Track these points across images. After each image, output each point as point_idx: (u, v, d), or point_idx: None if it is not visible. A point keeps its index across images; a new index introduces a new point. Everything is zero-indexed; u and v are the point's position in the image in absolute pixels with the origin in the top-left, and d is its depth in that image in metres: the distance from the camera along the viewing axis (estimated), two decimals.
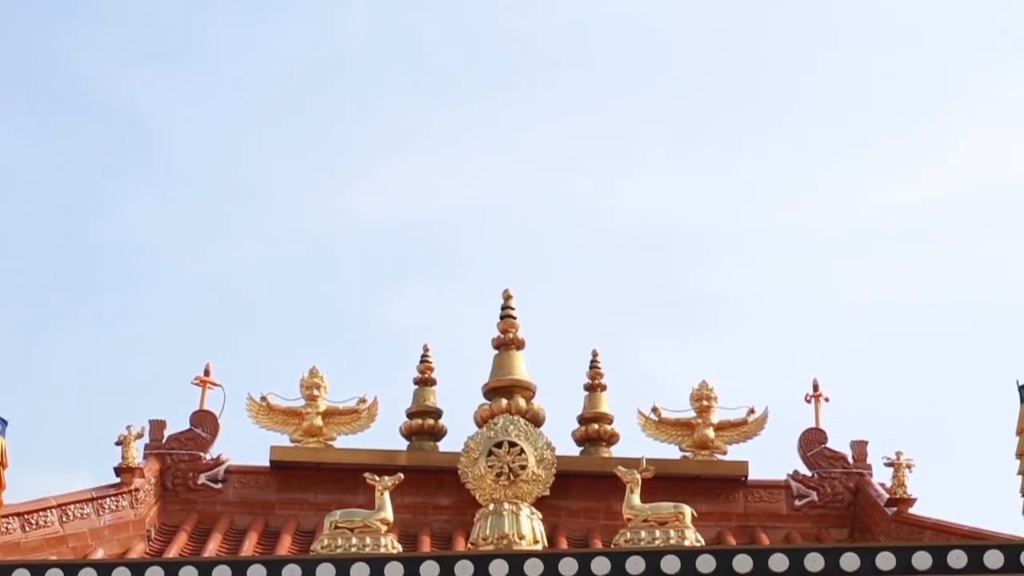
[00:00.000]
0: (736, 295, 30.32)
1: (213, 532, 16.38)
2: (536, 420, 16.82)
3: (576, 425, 17.83)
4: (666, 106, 31.65)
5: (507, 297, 17.90)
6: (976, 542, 12.77)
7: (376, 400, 17.48)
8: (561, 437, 17.31)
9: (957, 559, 12.22)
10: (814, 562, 12.29)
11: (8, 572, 11.94)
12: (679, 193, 31.30)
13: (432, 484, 17.00)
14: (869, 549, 12.48)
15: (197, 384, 17.56)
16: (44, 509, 15.29)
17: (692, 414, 17.65)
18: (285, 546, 16.08)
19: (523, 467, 15.80)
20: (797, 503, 17.43)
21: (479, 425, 16.80)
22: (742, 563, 12.31)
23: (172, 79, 31.18)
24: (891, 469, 16.88)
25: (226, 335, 29.26)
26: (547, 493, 15.99)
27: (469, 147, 31.42)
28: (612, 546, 14.22)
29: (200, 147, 31.16)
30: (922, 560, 12.23)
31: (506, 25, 32.10)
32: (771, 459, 17.88)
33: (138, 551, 15.84)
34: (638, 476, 14.79)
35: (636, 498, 14.63)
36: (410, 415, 17.70)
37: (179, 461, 17.16)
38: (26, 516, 15.04)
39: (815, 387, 17.88)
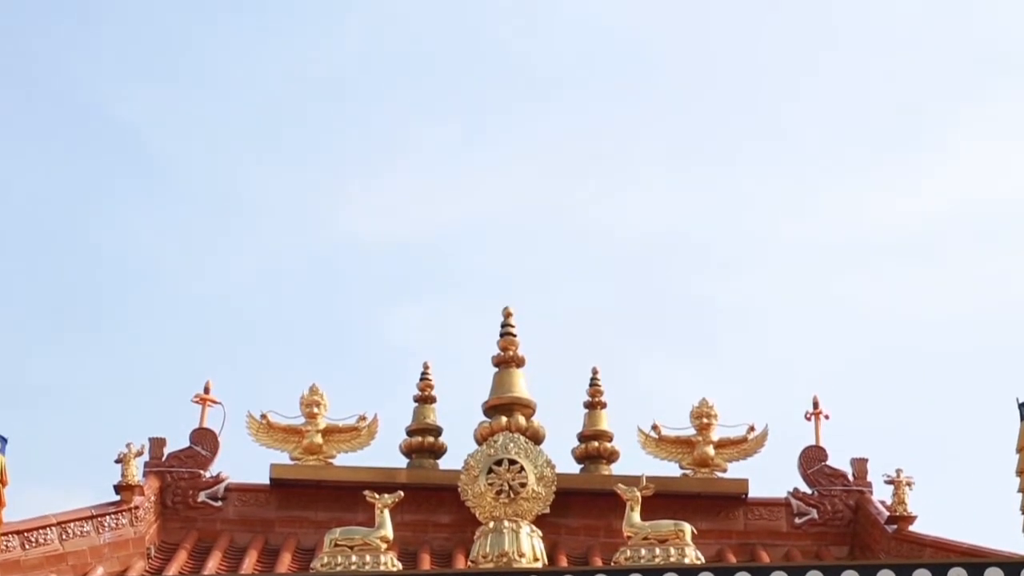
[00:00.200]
0: (736, 310, 30.35)
1: (213, 550, 16.37)
2: (536, 438, 16.83)
3: (576, 443, 17.82)
4: (665, 119, 31.72)
5: (507, 315, 17.90)
6: (976, 559, 12.78)
7: (376, 417, 17.49)
8: (561, 455, 17.34)
9: None
10: None
11: None
12: (679, 207, 31.36)
13: (432, 502, 16.98)
14: (869, 567, 12.49)
15: (197, 402, 17.56)
16: (44, 527, 15.28)
17: (692, 431, 17.64)
18: (285, 564, 16.07)
19: (523, 485, 15.83)
20: (797, 521, 17.41)
21: (479, 443, 16.81)
22: None
23: (172, 94, 31.26)
24: (891, 487, 16.88)
25: (226, 353, 29.27)
26: (547, 511, 16.02)
27: (468, 162, 31.48)
28: (612, 564, 14.24)
29: (200, 162, 31.22)
30: None
31: (506, 39, 32.18)
32: (771, 477, 17.89)
33: (138, 569, 15.84)
34: (638, 494, 14.79)
35: (636, 516, 14.64)
36: (410, 433, 17.70)
37: (179, 479, 17.15)
38: (26, 534, 15.03)
39: (815, 404, 17.87)
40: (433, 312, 30.92)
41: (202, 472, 17.25)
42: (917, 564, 12.45)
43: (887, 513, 16.80)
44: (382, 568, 14.10)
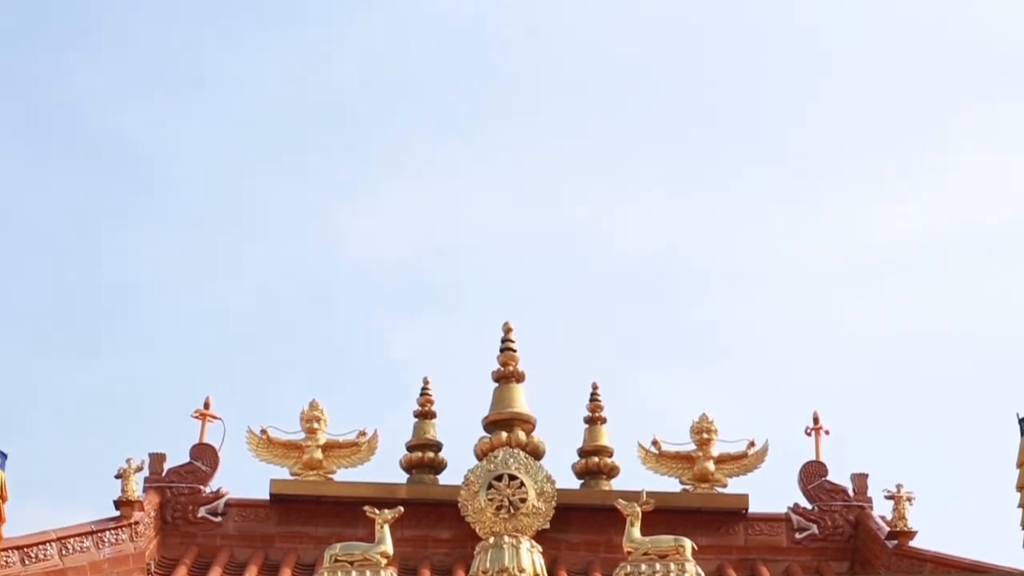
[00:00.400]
0: (736, 326, 30.34)
1: (213, 565, 16.35)
2: (536, 453, 16.83)
3: (576, 458, 17.81)
4: (665, 138, 31.74)
5: (507, 330, 17.90)
6: (977, 575, 12.77)
7: (376, 433, 17.49)
8: (561, 470, 17.33)
9: None
10: None
11: None
12: (679, 224, 31.37)
13: (432, 517, 16.98)
14: None
15: (197, 417, 17.56)
16: (44, 542, 15.26)
17: (692, 447, 17.64)
18: None
19: (523, 500, 15.83)
20: (798, 536, 17.40)
21: (479, 458, 16.81)
22: None
23: (172, 111, 31.30)
24: (891, 502, 16.88)
25: (226, 368, 29.27)
26: (547, 526, 16.02)
27: (468, 180, 31.51)
28: None
29: (201, 177, 31.23)
30: None
31: (506, 59, 32.22)
32: (771, 492, 17.87)
33: None
34: (638, 509, 14.78)
35: (636, 531, 14.63)
36: (410, 448, 17.69)
37: (179, 494, 17.14)
38: (26, 549, 15.02)
39: (815, 420, 17.87)
40: (433, 327, 30.94)
41: (202, 487, 17.24)
42: None
43: (887, 528, 16.79)
44: None
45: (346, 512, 16.65)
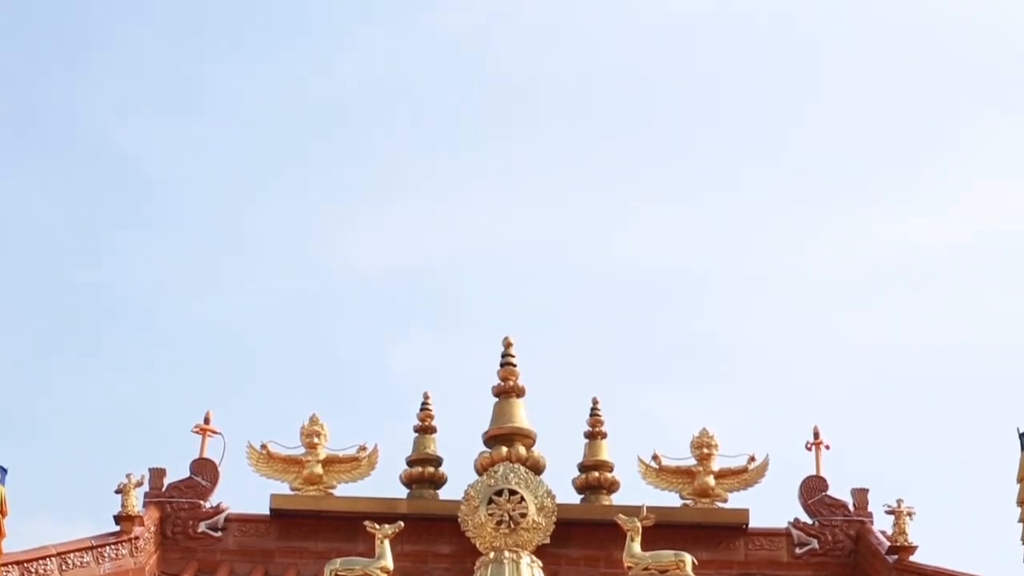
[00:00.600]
0: (736, 340, 30.33)
1: None
2: (536, 468, 16.83)
3: (576, 473, 17.80)
4: (666, 152, 31.75)
5: (507, 344, 17.90)
6: None
7: (376, 448, 17.48)
8: (561, 485, 17.31)
9: None
10: None
11: None
12: (679, 238, 31.36)
13: (432, 532, 16.96)
14: None
15: (197, 432, 17.54)
16: (44, 557, 15.25)
17: (692, 462, 17.63)
18: None
19: (523, 515, 15.82)
20: (798, 551, 17.39)
21: (479, 473, 16.80)
22: None
23: (171, 127, 31.33)
24: (892, 517, 16.87)
25: (226, 383, 29.25)
26: (547, 541, 16.01)
27: (468, 193, 31.52)
28: None
29: (200, 192, 31.26)
30: None
31: (505, 73, 32.24)
32: (772, 507, 17.85)
33: None
34: (639, 524, 14.79)
35: (637, 546, 14.64)
36: (410, 463, 17.68)
37: (179, 509, 17.13)
38: (26, 564, 15.00)
39: (815, 435, 17.87)
40: (433, 342, 30.93)
41: (202, 502, 17.23)
42: None
43: (888, 543, 16.78)
44: None
45: (346, 527, 16.64)
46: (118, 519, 16.36)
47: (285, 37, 32.58)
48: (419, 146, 31.45)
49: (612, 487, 17.63)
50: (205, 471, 17.36)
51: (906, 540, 16.67)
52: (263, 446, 17.34)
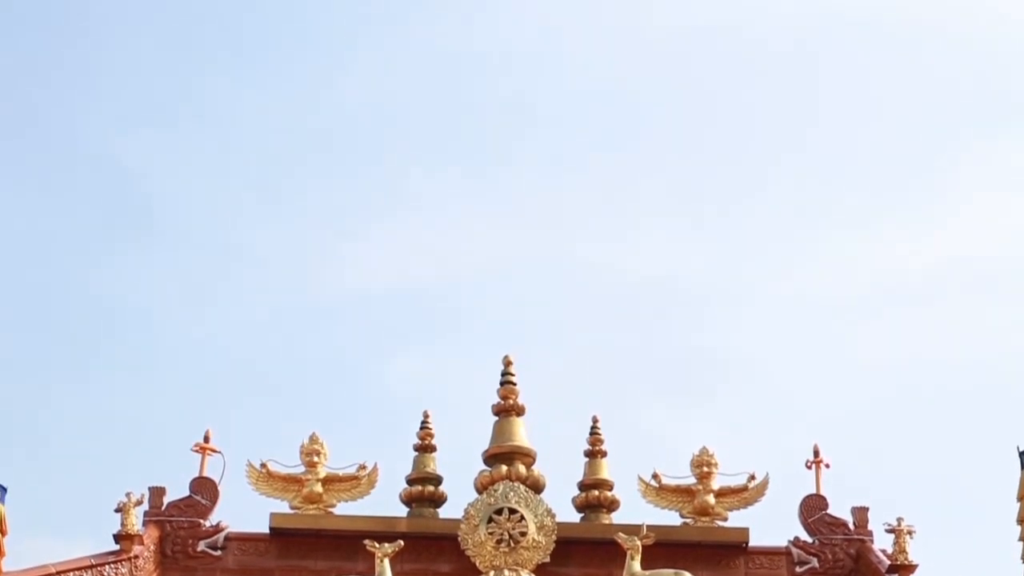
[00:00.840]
0: (736, 358, 30.35)
1: None
2: (536, 486, 16.82)
3: (576, 491, 17.79)
4: (664, 170, 31.81)
5: (507, 363, 17.92)
6: None
7: (376, 466, 17.47)
8: (561, 503, 17.31)
9: None
10: None
11: None
12: (678, 256, 31.41)
13: (432, 551, 16.94)
14: None
15: (197, 451, 17.53)
16: None
17: (692, 480, 17.62)
18: None
19: (523, 534, 15.82)
20: (798, 569, 17.37)
21: (479, 491, 16.80)
22: None
23: (171, 143, 31.37)
24: (892, 535, 16.87)
25: (226, 401, 29.27)
26: (547, 560, 16.01)
27: (468, 210, 31.56)
28: None
29: (200, 210, 31.30)
30: None
31: (503, 90, 32.31)
32: (772, 525, 17.85)
33: None
34: (639, 543, 14.79)
35: (637, 565, 14.64)
36: (410, 481, 17.67)
37: (178, 528, 17.11)
38: None
39: (816, 453, 17.86)
40: (433, 361, 30.93)
41: (202, 521, 17.21)
42: None
43: (888, 562, 16.78)
44: None
45: (346, 546, 16.62)
46: (118, 538, 16.35)
47: (286, 55, 32.69)
48: (419, 163, 31.54)
49: (612, 505, 17.63)
50: (205, 490, 17.35)
51: (906, 559, 16.66)
52: (263, 465, 17.33)
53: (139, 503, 16.65)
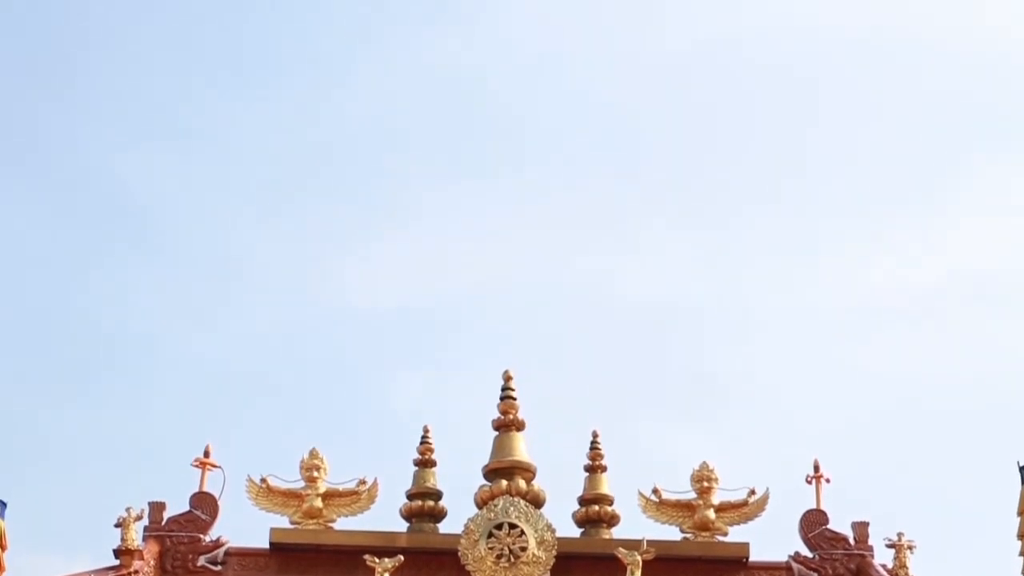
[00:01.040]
0: (736, 374, 30.37)
1: None
2: (536, 501, 16.82)
3: (577, 506, 17.79)
4: (667, 188, 31.87)
5: (507, 378, 17.93)
6: None
7: (376, 481, 17.46)
8: (562, 518, 17.30)
9: None
10: None
11: None
12: (679, 272, 31.45)
13: (432, 566, 16.93)
14: None
15: (197, 466, 17.53)
16: None
17: (693, 495, 17.61)
18: None
19: (523, 549, 15.81)
20: None
21: (479, 506, 16.79)
22: None
23: (171, 159, 31.43)
24: (893, 550, 16.86)
25: (226, 416, 29.27)
26: (548, 575, 15.98)
27: (468, 228, 31.59)
28: None
29: (200, 226, 31.34)
30: None
31: (507, 110, 32.38)
32: (772, 540, 17.83)
33: None
34: (639, 557, 14.79)
35: None
36: (410, 496, 17.67)
37: (178, 543, 17.09)
38: None
39: (816, 468, 17.84)
40: (433, 376, 30.95)
41: (202, 536, 17.19)
42: None
43: None
44: None
45: (346, 561, 16.61)
46: (118, 553, 16.34)
47: (286, 69, 32.75)
48: (419, 183, 31.59)
49: (612, 520, 17.62)
50: (205, 505, 17.34)
51: (907, 574, 16.66)
52: (263, 480, 17.33)
53: (139, 518, 16.65)
